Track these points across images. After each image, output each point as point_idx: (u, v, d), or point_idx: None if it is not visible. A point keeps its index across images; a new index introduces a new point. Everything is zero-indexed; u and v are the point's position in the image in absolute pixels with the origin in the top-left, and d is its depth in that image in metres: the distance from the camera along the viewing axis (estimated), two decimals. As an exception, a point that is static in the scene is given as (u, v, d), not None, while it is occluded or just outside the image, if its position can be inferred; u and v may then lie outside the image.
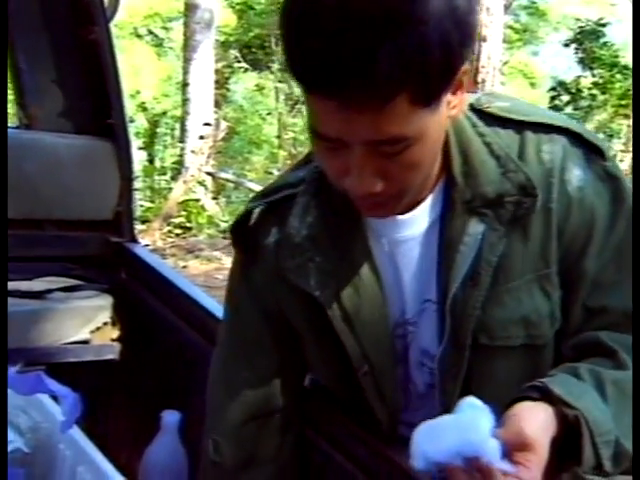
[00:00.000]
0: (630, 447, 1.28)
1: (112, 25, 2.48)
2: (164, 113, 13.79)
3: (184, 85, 11.75)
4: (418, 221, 1.45)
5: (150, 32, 14.58)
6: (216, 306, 2.17)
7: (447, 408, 1.39)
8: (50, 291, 2.33)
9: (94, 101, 2.53)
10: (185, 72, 11.70)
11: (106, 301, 2.42)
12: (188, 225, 9.92)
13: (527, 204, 1.39)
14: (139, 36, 14.67)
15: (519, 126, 1.43)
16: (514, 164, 1.40)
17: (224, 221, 10.36)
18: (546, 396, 1.26)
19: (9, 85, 2.57)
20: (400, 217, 1.44)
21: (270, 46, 12.98)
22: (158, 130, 13.57)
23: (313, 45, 1.15)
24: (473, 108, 1.44)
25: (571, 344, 1.44)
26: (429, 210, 1.45)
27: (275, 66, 13.20)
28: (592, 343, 1.41)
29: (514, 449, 1.20)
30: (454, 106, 1.30)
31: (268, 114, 14.46)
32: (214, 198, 11.00)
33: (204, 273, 7.98)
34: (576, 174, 1.41)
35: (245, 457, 1.64)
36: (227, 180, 11.50)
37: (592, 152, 1.43)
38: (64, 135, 2.51)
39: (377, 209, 1.37)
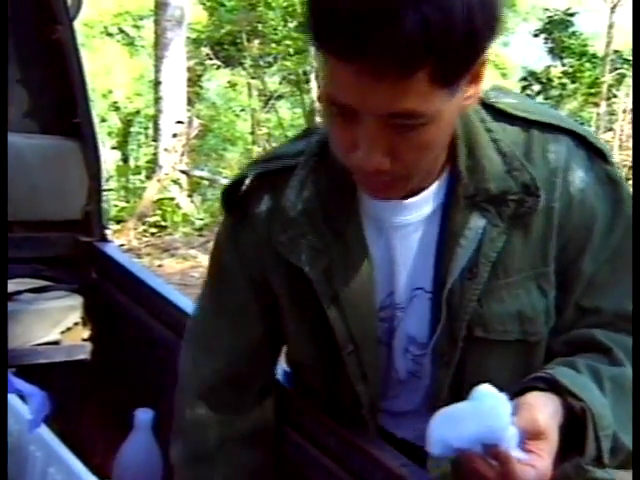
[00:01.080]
0: (626, 441, 1.31)
1: (81, 24, 2.47)
2: (137, 112, 13.71)
3: (156, 83, 11.68)
4: (417, 208, 1.45)
5: (121, 31, 14.52)
6: (188, 303, 2.17)
7: (437, 395, 1.47)
8: (19, 292, 2.32)
9: (59, 101, 2.51)
10: (157, 70, 11.62)
11: (76, 301, 2.41)
12: (163, 224, 9.87)
13: (529, 203, 1.39)
14: (110, 35, 14.62)
15: (526, 124, 1.43)
16: (519, 162, 1.40)
17: (199, 219, 10.33)
18: (553, 387, 1.28)
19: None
20: (400, 202, 1.43)
21: (242, 42, 12.96)
22: (131, 129, 13.47)
23: (337, 5, 1.12)
24: (482, 102, 1.42)
25: (564, 340, 1.47)
26: (430, 199, 1.44)
27: (247, 62, 13.20)
28: (587, 340, 1.43)
29: (528, 437, 1.21)
30: (469, 96, 1.28)
31: (241, 110, 14.46)
32: (189, 196, 10.96)
33: (180, 272, 7.96)
34: (579, 175, 1.43)
35: (222, 419, 1.63)
36: (202, 178, 11.47)
37: (595, 155, 1.44)
38: (30, 135, 2.50)
39: (382, 190, 1.35)
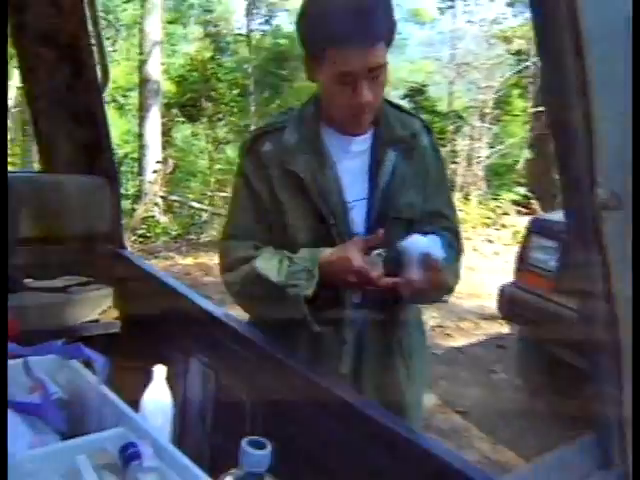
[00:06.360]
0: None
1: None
2: (125, 156, 13.48)
3: (140, 135, 11.57)
4: (361, 144, 1.74)
5: (114, 100, 14.22)
6: (187, 290, 2.18)
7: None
8: (70, 286, 2.29)
9: (92, 150, 2.48)
10: (140, 126, 11.54)
11: (108, 291, 2.38)
12: (148, 235, 9.74)
13: (413, 144, 1.77)
14: (106, 102, 14.37)
15: (400, 111, 1.83)
16: (409, 121, 1.79)
17: (174, 230, 10.21)
18: None
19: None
20: (352, 137, 1.73)
21: (200, 105, 12.87)
22: (122, 168, 13.25)
23: (342, 20, 1.51)
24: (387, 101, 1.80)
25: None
26: (366, 140, 1.74)
27: (204, 119, 13.10)
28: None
29: None
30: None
31: (200, 152, 14.28)
32: (165, 214, 10.83)
33: (162, 268, 7.85)
34: (425, 138, 1.81)
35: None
36: (175, 201, 11.35)
37: (430, 133, 1.83)
38: (72, 176, 2.46)
39: (363, 123, 1.69)
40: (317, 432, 1.47)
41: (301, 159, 1.69)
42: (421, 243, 1.60)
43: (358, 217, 1.72)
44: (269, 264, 1.67)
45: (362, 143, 1.74)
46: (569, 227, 1.00)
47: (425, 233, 1.66)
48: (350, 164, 1.73)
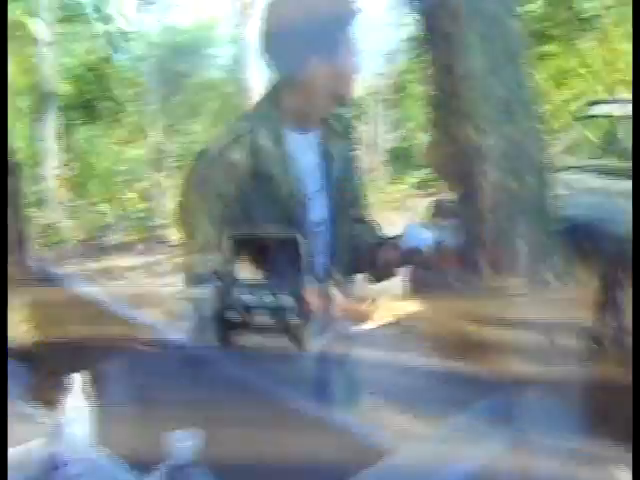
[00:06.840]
0: None
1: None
2: (22, 162, 12.94)
3: (36, 140, 11.20)
4: (311, 139, 1.90)
5: (4, 103, 13.65)
6: (99, 294, 2.18)
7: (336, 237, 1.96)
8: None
9: None
10: (36, 130, 11.17)
11: (18, 302, 2.31)
12: (52, 242, 9.49)
13: (347, 132, 2.03)
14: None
15: None
16: (338, 112, 1.97)
17: (78, 236, 9.97)
18: None
19: None
20: (305, 135, 1.90)
21: (98, 105, 12.59)
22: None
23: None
24: None
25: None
26: (315, 134, 1.92)
27: (103, 120, 12.82)
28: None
29: None
30: None
31: (101, 154, 13.89)
32: (69, 219, 10.53)
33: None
34: (348, 123, 2.09)
35: None
36: (77, 205, 11.05)
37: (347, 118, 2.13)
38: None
39: None
40: (244, 423, 1.50)
41: (273, 161, 1.79)
42: (424, 234, 1.97)
43: (318, 207, 1.90)
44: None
45: (313, 137, 1.92)
46: (462, 205, 1.06)
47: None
48: (306, 158, 1.88)
